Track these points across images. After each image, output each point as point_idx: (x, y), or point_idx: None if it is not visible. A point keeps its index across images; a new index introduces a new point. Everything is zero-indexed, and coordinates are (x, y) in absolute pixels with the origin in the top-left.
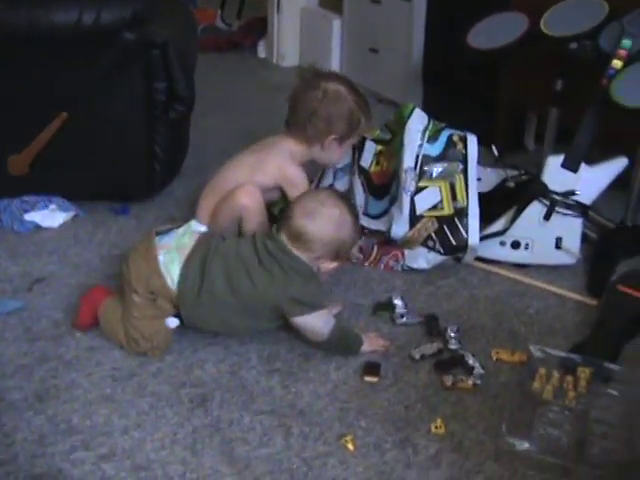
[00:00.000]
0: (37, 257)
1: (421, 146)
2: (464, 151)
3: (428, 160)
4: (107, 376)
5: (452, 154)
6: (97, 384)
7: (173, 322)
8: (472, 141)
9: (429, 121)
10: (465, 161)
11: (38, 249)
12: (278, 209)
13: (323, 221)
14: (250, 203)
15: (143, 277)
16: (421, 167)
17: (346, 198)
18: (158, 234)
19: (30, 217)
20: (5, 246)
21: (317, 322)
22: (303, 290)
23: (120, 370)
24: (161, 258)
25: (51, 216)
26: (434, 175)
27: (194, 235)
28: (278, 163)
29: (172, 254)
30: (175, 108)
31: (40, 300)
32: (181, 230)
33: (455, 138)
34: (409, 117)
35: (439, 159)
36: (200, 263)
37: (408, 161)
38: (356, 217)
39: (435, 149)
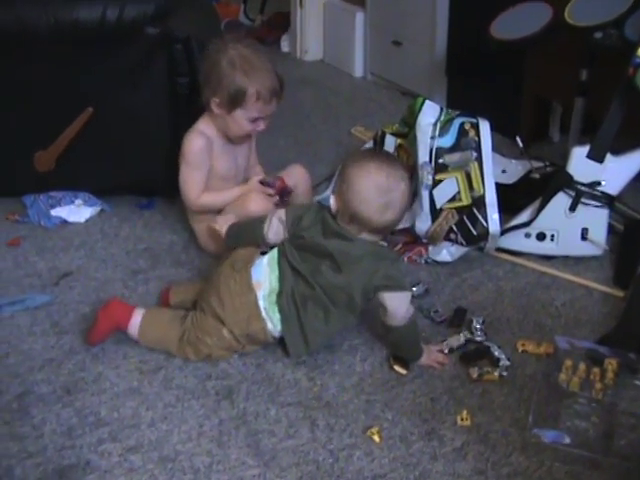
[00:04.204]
0: (64, 252)
1: (433, 138)
2: (477, 138)
3: (442, 152)
4: (134, 369)
5: (465, 143)
6: (124, 377)
7: None
8: (484, 127)
9: (441, 111)
10: (479, 148)
11: (65, 244)
12: None
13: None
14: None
15: (242, 320)
16: (436, 160)
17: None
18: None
19: (57, 212)
20: (33, 241)
21: (401, 303)
22: (392, 266)
23: (147, 363)
24: (261, 303)
25: (77, 211)
26: (449, 166)
27: (278, 267)
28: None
29: (270, 298)
30: (198, 102)
31: (67, 294)
32: (265, 260)
33: (467, 126)
34: (420, 111)
35: (453, 149)
36: (293, 299)
37: (422, 156)
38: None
39: (448, 140)
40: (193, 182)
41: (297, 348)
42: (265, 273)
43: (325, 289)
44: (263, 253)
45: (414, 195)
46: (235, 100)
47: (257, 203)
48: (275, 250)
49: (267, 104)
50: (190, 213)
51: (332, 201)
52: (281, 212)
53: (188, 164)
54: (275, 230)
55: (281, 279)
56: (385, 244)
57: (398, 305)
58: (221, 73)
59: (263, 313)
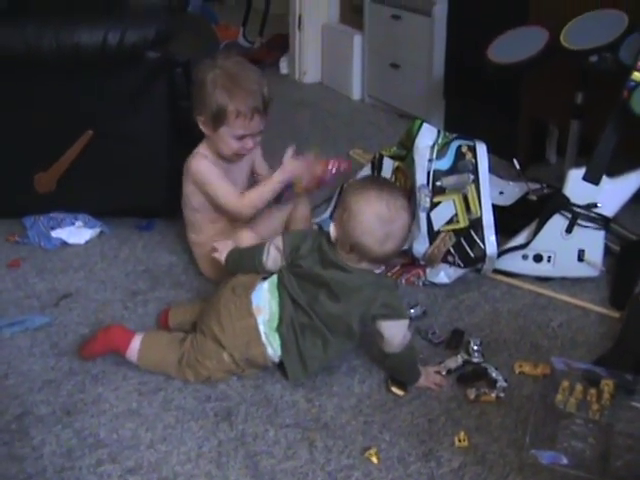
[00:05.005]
0: (64, 273)
1: (431, 161)
2: (474, 161)
3: (439, 175)
4: (133, 390)
5: (462, 165)
6: (123, 398)
7: None
8: (481, 149)
9: (438, 134)
10: (476, 171)
11: (65, 265)
12: None
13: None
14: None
15: (242, 344)
16: (433, 183)
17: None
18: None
19: (57, 234)
20: (32, 262)
21: (398, 331)
22: (390, 295)
23: (146, 384)
24: (261, 328)
25: (77, 233)
26: (447, 189)
27: (278, 294)
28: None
29: (271, 324)
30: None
31: (67, 315)
32: (266, 285)
33: (464, 149)
34: (417, 133)
35: (450, 172)
36: (292, 327)
37: (420, 179)
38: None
39: (445, 163)
40: (226, 191)
41: (296, 373)
42: (265, 299)
43: (323, 318)
44: (264, 278)
45: (412, 218)
46: (217, 118)
47: (248, 242)
48: (275, 276)
49: (249, 121)
50: (190, 237)
51: (332, 229)
52: (278, 240)
53: (210, 181)
54: (273, 258)
55: (281, 305)
56: (382, 267)
57: (395, 333)
58: (205, 92)
59: (263, 338)
